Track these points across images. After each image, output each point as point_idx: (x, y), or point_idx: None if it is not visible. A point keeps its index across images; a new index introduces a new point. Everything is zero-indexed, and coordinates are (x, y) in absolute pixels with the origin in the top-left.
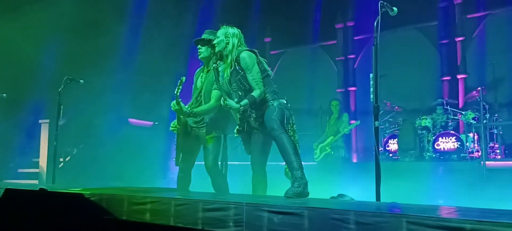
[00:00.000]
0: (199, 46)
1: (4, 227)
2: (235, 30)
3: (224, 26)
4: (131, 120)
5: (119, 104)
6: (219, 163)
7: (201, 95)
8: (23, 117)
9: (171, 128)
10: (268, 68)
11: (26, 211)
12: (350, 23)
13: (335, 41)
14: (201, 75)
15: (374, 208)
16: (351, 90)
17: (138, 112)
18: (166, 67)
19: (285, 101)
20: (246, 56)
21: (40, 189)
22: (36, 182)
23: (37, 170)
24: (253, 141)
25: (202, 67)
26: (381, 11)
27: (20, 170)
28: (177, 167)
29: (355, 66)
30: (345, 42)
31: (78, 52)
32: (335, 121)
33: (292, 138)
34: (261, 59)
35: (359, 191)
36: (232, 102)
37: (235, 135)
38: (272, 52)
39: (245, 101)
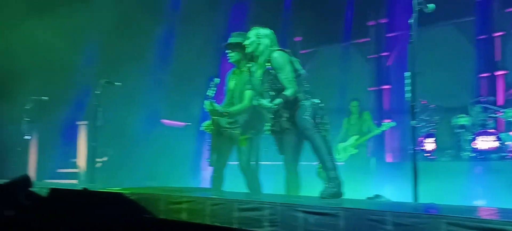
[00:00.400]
0: (228, 50)
1: (50, 225)
2: (267, 31)
3: (256, 27)
4: (164, 121)
5: (153, 105)
6: (252, 163)
7: (234, 96)
8: (62, 119)
9: (203, 128)
10: (300, 68)
11: (71, 209)
12: (383, 20)
13: (367, 39)
14: (233, 76)
15: (412, 209)
16: (385, 89)
17: (171, 112)
18: (199, 67)
19: (318, 101)
20: (277, 56)
21: (83, 188)
22: (75, 181)
23: (75, 170)
24: (286, 141)
25: (234, 69)
26: (417, 8)
27: (59, 170)
28: (210, 167)
29: (388, 64)
30: (378, 39)
31: (113, 53)
32: (356, 120)
33: (325, 137)
34: (293, 58)
35: (394, 192)
36: (265, 102)
37: (268, 134)
38: (302, 52)
39: (278, 100)
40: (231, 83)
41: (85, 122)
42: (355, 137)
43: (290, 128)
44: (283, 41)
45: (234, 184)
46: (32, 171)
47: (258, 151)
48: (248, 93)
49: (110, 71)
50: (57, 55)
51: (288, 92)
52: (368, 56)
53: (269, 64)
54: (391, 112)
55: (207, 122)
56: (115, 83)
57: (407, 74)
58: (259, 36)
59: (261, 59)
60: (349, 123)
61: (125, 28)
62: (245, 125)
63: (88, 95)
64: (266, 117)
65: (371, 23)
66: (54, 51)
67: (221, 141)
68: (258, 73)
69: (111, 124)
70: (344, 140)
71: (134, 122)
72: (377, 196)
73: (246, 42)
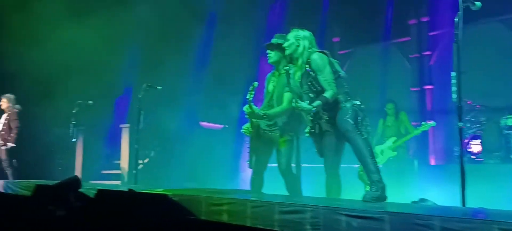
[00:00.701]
0: (268, 50)
1: (97, 225)
2: (306, 33)
3: (295, 29)
4: (202, 123)
5: (192, 107)
6: (293, 165)
7: (273, 99)
8: (106, 122)
9: (243, 130)
10: (340, 69)
11: (117, 210)
12: (425, 19)
13: (408, 38)
14: (272, 79)
15: (461, 214)
16: (427, 89)
17: (209, 114)
18: (238, 68)
19: (358, 103)
20: (317, 57)
21: (129, 189)
22: (118, 182)
23: (119, 172)
24: (326, 143)
25: (273, 71)
26: (462, 6)
27: (103, 172)
28: (250, 169)
29: (431, 63)
30: (419, 38)
31: (154, 56)
32: (393, 122)
33: (366, 139)
34: (333, 60)
35: (440, 195)
36: (304, 104)
37: (307, 136)
38: (340, 52)
39: (317, 102)
40: (270, 85)
41: (128, 125)
42: (393, 139)
43: (330, 130)
44: (320, 42)
45: (274, 187)
46: (78, 172)
47: (299, 153)
48: (287, 95)
49: (151, 74)
50: (99, 59)
51: (327, 94)
52: (410, 56)
53: (308, 66)
54: (434, 113)
55: (247, 125)
56: (157, 87)
57: (453, 74)
58: (298, 38)
59: (300, 61)
60: (385, 124)
61: (165, 30)
62: (285, 127)
63: (130, 98)
64: (306, 119)
65: (412, 21)
66: (96, 54)
67: (261, 143)
68: (297, 75)
69: (152, 127)
70: (380, 142)
71: (174, 125)
72: (422, 200)
73: (285, 44)
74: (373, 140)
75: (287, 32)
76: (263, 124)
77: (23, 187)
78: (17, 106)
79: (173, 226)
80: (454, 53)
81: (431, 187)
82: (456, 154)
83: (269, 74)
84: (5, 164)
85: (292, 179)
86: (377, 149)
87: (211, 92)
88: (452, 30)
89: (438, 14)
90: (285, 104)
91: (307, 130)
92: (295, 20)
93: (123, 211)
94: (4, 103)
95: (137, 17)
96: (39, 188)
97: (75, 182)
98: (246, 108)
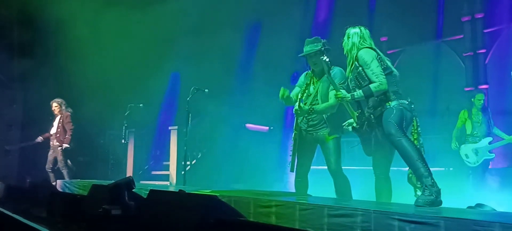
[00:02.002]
0: (311, 62)
1: (150, 224)
2: (356, 29)
3: (349, 27)
4: (248, 125)
5: (238, 109)
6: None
7: (317, 99)
8: (156, 124)
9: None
10: (392, 67)
11: (168, 210)
12: (479, 15)
13: (461, 36)
14: (312, 80)
15: None
16: (482, 89)
17: (255, 116)
18: (285, 69)
19: (406, 102)
20: (363, 53)
21: (179, 190)
22: (167, 183)
23: (167, 172)
24: (376, 143)
25: (306, 72)
26: None
27: (153, 172)
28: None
29: (486, 61)
30: (474, 35)
31: (201, 57)
32: (481, 118)
33: (416, 141)
34: (384, 57)
35: (498, 201)
36: (344, 92)
37: (350, 129)
38: (389, 52)
39: (359, 92)
40: (311, 88)
41: (176, 127)
42: (489, 139)
43: (379, 129)
44: None
45: (319, 189)
46: (128, 173)
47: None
48: (332, 93)
49: (198, 76)
50: (148, 63)
51: (372, 86)
52: (464, 54)
53: (357, 62)
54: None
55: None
56: (204, 90)
57: None
58: (349, 36)
59: (349, 58)
60: (473, 120)
61: (211, 32)
62: (330, 125)
63: (178, 101)
64: (352, 114)
65: (465, 18)
66: (146, 59)
67: (305, 145)
68: (348, 71)
69: (200, 129)
70: (459, 138)
71: (221, 126)
72: (479, 205)
73: (343, 43)
74: (454, 133)
75: (333, 33)
76: (304, 125)
77: (79, 186)
78: (69, 109)
79: (223, 227)
80: None
81: (489, 192)
82: None
83: (302, 76)
84: (61, 164)
85: (343, 180)
86: (469, 147)
87: (256, 94)
88: (510, 27)
89: (494, 11)
90: (332, 101)
91: (350, 122)
92: (341, 20)
93: (174, 211)
94: (57, 108)
95: (183, 18)
96: (95, 187)
97: (129, 182)
98: (295, 107)
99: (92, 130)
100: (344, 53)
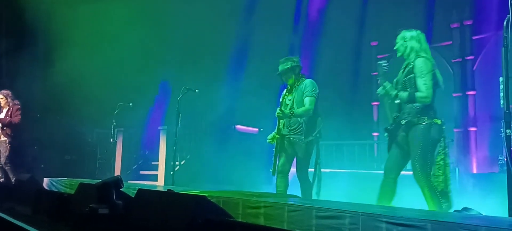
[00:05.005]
0: (284, 78)
1: (137, 222)
2: (413, 32)
3: (402, 31)
4: (238, 127)
5: (228, 110)
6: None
7: (294, 106)
8: (144, 124)
9: (268, 140)
10: (441, 81)
11: (156, 209)
12: (468, 22)
13: (450, 42)
14: (288, 94)
15: (508, 225)
16: (470, 95)
17: (245, 118)
18: (273, 71)
19: (439, 122)
20: (422, 62)
21: (168, 190)
22: (156, 183)
23: (156, 172)
24: (396, 145)
25: (285, 91)
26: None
27: (141, 172)
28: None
29: (474, 68)
30: (462, 42)
31: (191, 58)
32: None
33: (442, 161)
34: (437, 71)
35: (484, 205)
36: (389, 86)
37: (385, 135)
38: (378, 57)
39: (404, 93)
40: (287, 98)
41: (166, 127)
42: None
43: (405, 134)
44: (357, 47)
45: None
46: (117, 172)
47: (319, 157)
48: (309, 99)
49: (188, 77)
50: (139, 63)
51: (418, 94)
52: (452, 60)
53: (412, 66)
54: (477, 119)
55: (272, 134)
56: (195, 90)
57: (501, 79)
58: (405, 40)
59: (406, 62)
60: None
61: (203, 35)
62: (306, 129)
63: (168, 101)
64: (389, 115)
65: (454, 25)
66: (141, 59)
67: (284, 147)
68: (400, 74)
69: (189, 129)
70: None
71: (210, 128)
72: (465, 209)
73: (395, 47)
74: None
75: (322, 40)
76: (285, 130)
77: (66, 185)
78: (16, 101)
79: (211, 227)
80: (503, 58)
81: (475, 196)
82: (500, 162)
83: (284, 92)
84: (4, 160)
85: (308, 185)
86: None
87: (246, 96)
88: (498, 34)
89: (482, 18)
90: (307, 105)
91: (387, 126)
92: (332, 25)
93: (162, 211)
94: (2, 100)
95: (176, 23)
96: (82, 186)
97: (118, 181)
98: (277, 111)
99: (80, 128)
100: (398, 56)
